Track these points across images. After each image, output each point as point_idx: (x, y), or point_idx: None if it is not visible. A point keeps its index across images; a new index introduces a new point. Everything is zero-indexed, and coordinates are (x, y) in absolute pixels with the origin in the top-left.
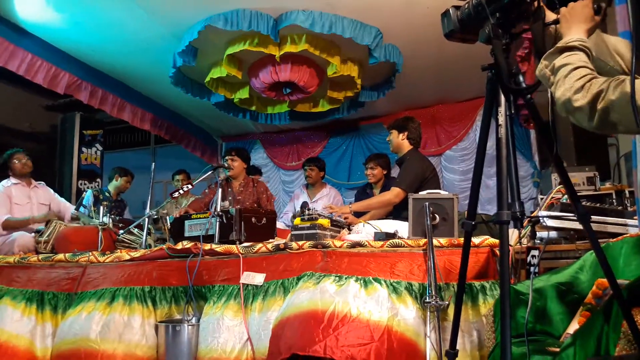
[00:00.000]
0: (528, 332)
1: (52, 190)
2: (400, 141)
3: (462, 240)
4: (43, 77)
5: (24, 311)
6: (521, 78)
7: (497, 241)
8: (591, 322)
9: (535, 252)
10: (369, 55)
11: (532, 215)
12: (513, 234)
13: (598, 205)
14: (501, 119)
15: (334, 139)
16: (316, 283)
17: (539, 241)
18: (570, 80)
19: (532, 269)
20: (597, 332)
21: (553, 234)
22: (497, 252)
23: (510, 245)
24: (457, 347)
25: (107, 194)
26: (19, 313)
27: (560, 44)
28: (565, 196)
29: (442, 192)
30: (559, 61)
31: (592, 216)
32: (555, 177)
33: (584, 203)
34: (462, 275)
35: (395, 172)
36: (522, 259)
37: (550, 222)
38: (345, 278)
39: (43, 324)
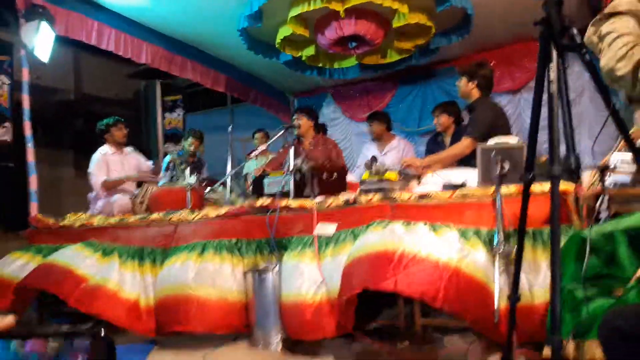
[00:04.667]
0: (595, 276)
1: (140, 155)
2: (469, 89)
3: (533, 188)
4: (127, 49)
5: (128, 266)
6: (575, 31)
7: (568, 187)
8: None
9: (606, 197)
10: (436, 1)
11: (604, 161)
12: (587, 178)
13: None
14: (553, 75)
15: (404, 87)
16: (385, 226)
17: (610, 186)
18: (613, 49)
19: (601, 214)
20: None
21: (626, 178)
22: (567, 199)
23: (580, 190)
24: (526, 291)
25: (184, 156)
26: (124, 268)
27: (608, 8)
28: None
29: (511, 139)
30: (605, 28)
31: None
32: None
33: None
34: (522, 224)
35: (464, 119)
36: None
37: (622, 166)
38: (414, 223)
39: (144, 276)
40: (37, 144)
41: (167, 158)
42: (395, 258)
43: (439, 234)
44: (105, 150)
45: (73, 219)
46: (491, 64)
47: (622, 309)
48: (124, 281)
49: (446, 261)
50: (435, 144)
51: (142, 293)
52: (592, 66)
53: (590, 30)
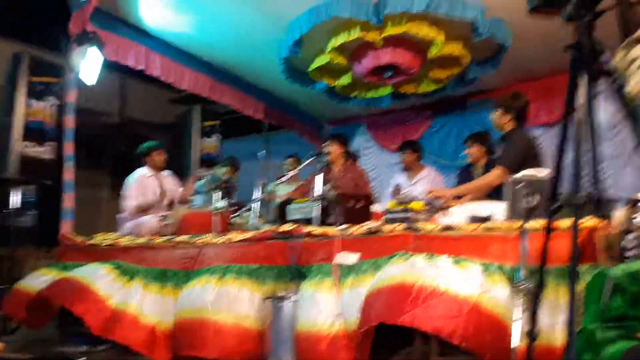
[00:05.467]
0: (619, 317)
1: (176, 180)
2: (503, 121)
3: (560, 223)
4: (171, 75)
5: (150, 288)
6: (607, 57)
7: (596, 224)
8: None
9: (632, 235)
10: (473, 32)
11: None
12: (619, 215)
13: None
14: (581, 101)
15: (439, 118)
16: (406, 259)
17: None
18: None
19: (629, 253)
20: None
21: None
22: (595, 234)
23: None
24: (547, 331)
25: (215, 182)
26: (147, 290)
27: (638, 32)
28: None
29: (541, 171)
30: (634, 52)
31: None
32: None
33: None
34: (543, 258)
35: (496, 151)
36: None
37: None
38: (437, 255)
39: (165, 299)
40: (78, 165)
41: (201, 182)
42: (413, 291)
43: (461, 267)
44: (143, 172)
45: (100, 238)
46: (526, 96)
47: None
48: (145, 305)
49: (466, 296)
50: (465, 174)
51: (160, 317)
52: (622, 93)
53: (620, 54)
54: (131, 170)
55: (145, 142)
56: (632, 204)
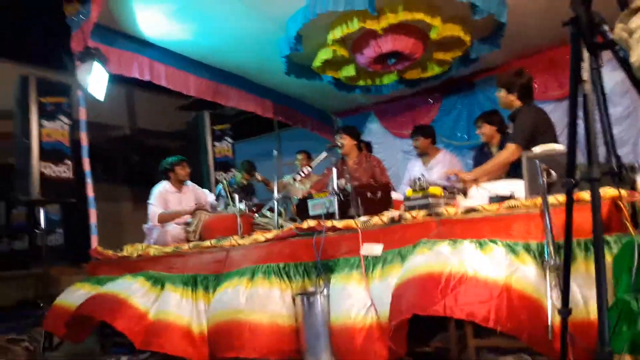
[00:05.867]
0: None
1: (197, 187)
2: (509, 100)
3: (583, 194)
4: (174, 82)
5: (182, 294)
6: (606, 28)
7: (617, 192)
8: None
9: None
10: (472, 10)
11: None
12: None
13: None
14: (586, 75)
15: (448, 100)
16: (430, 247)
17: None
18: None
19: None
20: None
21: None
22: (621, 204)
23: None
24: (581, 305)
25: (234, 185)
26: (179, 296)
27: (634, 3)
28: None
29: (557, 146)
30: (633, 23)
31: None
32: None
33: None
34: (568, 232)
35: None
36: None
37: None
38: (460, 241)
39: (197, 303)
40: (95, 179)
41: (219, 187)
42: (442, 280)
43: (485, 251)
44: (165, 187)
45: (131, 250)
46: (527, 72)
47: None
48: (180, 310)
49: (495, 278)
50: (482, 155)
51: (195, 320)
52: (625, 62)
53: (618, 26)
54: (148, 179)
55: (158, 151)
56: None
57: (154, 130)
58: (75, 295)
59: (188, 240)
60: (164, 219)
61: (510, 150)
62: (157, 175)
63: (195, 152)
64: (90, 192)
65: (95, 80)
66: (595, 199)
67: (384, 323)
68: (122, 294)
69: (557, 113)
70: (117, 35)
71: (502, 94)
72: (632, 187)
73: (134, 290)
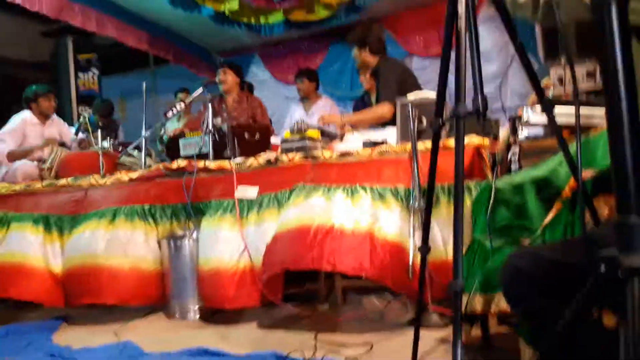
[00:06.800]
0: (505, 227)
1: (62, 121)
2: (363, 57)
3: (449, 142)
4: (38, 3)
5: (32, 232)
6: None
7: (482, 140)
8: (559, 213)
9: (516, 149)
10: None
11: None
12: (504, 133)
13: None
14: (461, 9)
15: (334, 48)
16: (305, 197)
17: (523, 138)
18: None
19: (512, 166)
20: (564, 221)
21: (539, 130)
22: (482, 152)
23: (495, 144)
24: (440, 246)
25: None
26: (28, 235)
27: None
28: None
29: (430, 93)
30: None
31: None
32: (554, 72)
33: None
34: (431, 176)
35: None
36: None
37: (533, 118)
38: (334, 189)
39: (52, 244)
40: None
41: (76, 125)
42: (310, 234)
43: (354, 199)
44: (26, 117)
45: None
46: (378, 25)
47: (520, 252)
48: (29, 250)
49: (360, 229)
50: (361, 103)
51: (49, 262)
52: (499, 3)
53: None
54: (3, 111)
55: (15, 81)
56: (514, 118)
57: (12, 58)
58: None
59: (42, 179)
60: (15, 156)
61: (386, 109)
62: (14, 107)
63: (57, 82)
64: None
65: None
66: (460, 136)
67: (257, 268)
68: None
69: (431, 68)
70: None
71: (355, 52)
72: (495, 138)
73: None
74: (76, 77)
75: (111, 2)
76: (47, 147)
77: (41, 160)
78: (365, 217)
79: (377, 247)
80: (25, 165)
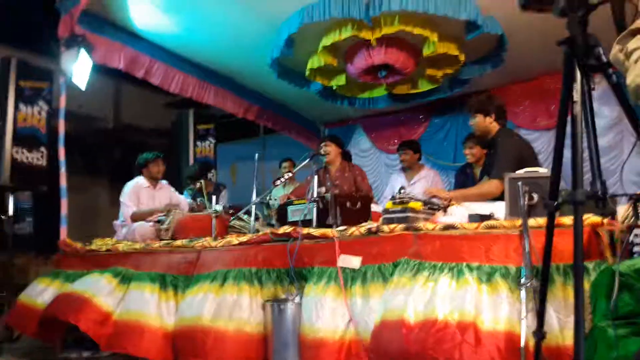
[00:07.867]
0: (628, 314)
1: (172, 188)
2: (487, 123)
3: (563, 219)
4: (160, 78)
5: (150, 290)
6: (601, 51)
7: (599, 219)
8: None
9: (637, 231)
10: (467, 30)
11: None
12: (622, 211)
13: None
14: (577, 96)
15: (437, 119)
16: (411, 278)
17: None
18: None
19: (635, 248)
20: None
21: None
22: (600, 232)
23: (614, 223)
24: (556, 330)
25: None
26: (147, 294)
27: (633, 25)
28: None
29: (540, 169)
30: (631, 44)
31: None
32: None
33: None
34: (546, 257)
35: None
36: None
37: None
38: (438, 270)
39: (167, 302)
40: (73, 171)
41: (185, 193)
42: (412, 327)
43: (460, 284)
44: (139, 182)
45: (100, 244)
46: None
47: None
48: (146, 308)
49: (464, 320)
50: (463, 175)
51: (162, 319)
52: (618, 87)
53: (615, 48)
54: (128, 176)
55: (140, 147)
56: (637, 199)
57: (138, 126)
58: (41, 291)
59: (160, 239)
60: (138, 217)
61: (495, 185)
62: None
63: (178, 150)
64: (63, 182)
65: (79, 68)
66: (578, 222)
67: (364, 341)
68: (87, 292)
69: (540, 141)
70: (106, 23)
71: (479, 119)
72: (613, 217)
73: (100, 288)
74: (195, 145)
75: (226, 77)
76: (164, 209)
77: (158, 222)
78: (470, 306)
79: (481, 339)
80: (142, 227)
